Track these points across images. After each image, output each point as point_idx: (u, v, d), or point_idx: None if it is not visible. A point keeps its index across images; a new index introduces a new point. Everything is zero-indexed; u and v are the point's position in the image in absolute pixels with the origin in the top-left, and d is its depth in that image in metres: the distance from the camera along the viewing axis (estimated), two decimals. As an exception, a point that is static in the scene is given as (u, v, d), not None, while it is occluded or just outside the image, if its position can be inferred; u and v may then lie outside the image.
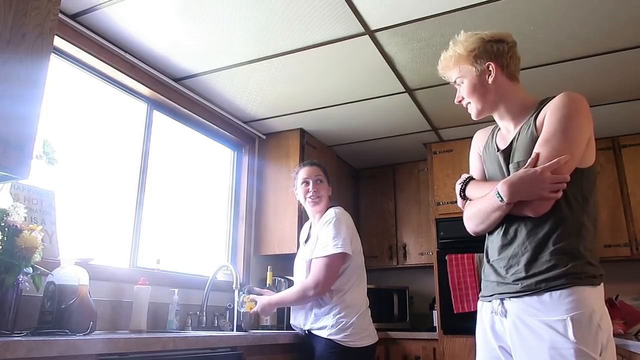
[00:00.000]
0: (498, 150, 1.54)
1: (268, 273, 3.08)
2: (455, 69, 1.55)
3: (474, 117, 1.59)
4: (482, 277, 1.55)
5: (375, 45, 2.48)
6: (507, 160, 1.50)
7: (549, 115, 1.41)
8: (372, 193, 4.33)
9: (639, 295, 3.40)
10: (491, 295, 1.46)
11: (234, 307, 2.78)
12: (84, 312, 1.67)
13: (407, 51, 2.54)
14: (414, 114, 3.30)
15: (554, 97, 1.46)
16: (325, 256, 2.13)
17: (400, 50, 2.53)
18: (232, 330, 2.74)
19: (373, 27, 2.34)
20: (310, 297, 2.13)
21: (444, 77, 1.63)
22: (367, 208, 4.31)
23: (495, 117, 1.59)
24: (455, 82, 1.58)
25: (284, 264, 3.27)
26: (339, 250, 2.11)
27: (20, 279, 1.55)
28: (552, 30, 2.36)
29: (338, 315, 2.11)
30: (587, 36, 2.41)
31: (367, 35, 2.40)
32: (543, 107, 1.46)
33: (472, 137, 1.76)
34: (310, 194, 2.33)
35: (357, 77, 2.82)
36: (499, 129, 1.62)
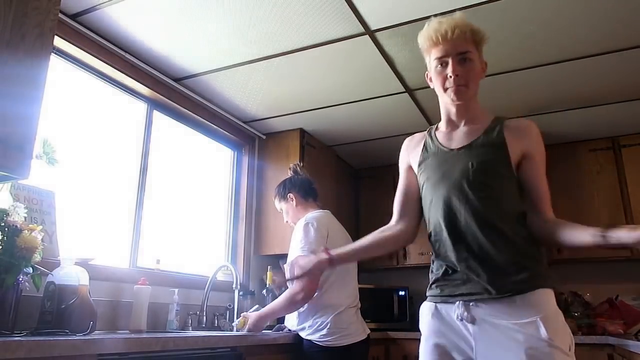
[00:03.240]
0: (452, 149, 1.49)
1: (268, 273, 3.08)
2: (471, 46, 1.46)
3: (454, 99, 1.47)
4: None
5: (375, 45, 2.48)
6: (468, 156, 1.45)
7: (539, 152, 1.46)
8: (372, 193, 4.32)
9: (639, 295, 3.39)
10: (455, 296, 1.40)
11: (234, 307, 2.79)
12: (84, 312, 1.67)
13: (407, 51, 2.54)
14: (414, 114, 3.30)
15: (511, 118, 1.50)
16: None
17: (400, 50, 2.53)
18: (232, 330, 2.74)
19: (373, 27, 2.34)
20: (300, 302, 2.14)
21: (448, 39, 1.44)
22: (367, 208, 4.30)
23: (455, 111, 1.51)
24: (463, 54, 1.44)
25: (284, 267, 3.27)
26: (304, 254, 2.11)
27: (20, 279, 1.55)
28: (552, 30, 2.36)
29: (315, 316, 2.13)
30: (588, 36, 2.41)
31: (367, 35, 2.40)
32: (504, 124, 1.47)
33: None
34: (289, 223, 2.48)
35: (357, 77, 2.82)
36: (436, 129, 1.59)
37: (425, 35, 1.50)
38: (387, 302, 3.79)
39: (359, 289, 2.34)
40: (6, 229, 1.57)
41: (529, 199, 1.43)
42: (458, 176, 1.43)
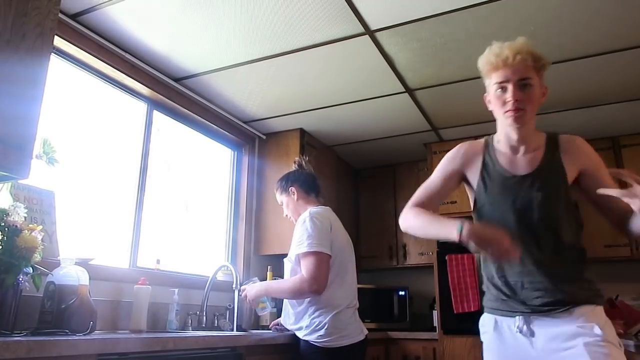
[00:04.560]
0: (515, 175, 1.51)
1: (268, 273, 3.08)
2: (532, 72, 1.46)
3: (513, 124, 1.48)
4: None
5: (375, 45, 2.48)
6: (533, 185, 1.49)
7: (597, 163, 1.56)
8: (372, 193, 4.32)
9: (639, 296, 3.39)
10: None
11: (234, 307, 2.78)
12: (84, 312, 1.67)
13: (407, 51, 2.54)
14: (414, 114, 3.30)
15: (562, 134, 1.54)
16: (311, 255, 2.09)
17: (400, 50, 2.53)
18: (232, 330, 2.74)
19: (373, 27, 2.34)
20: (308, 293, 2.08)
21: (509, 65, 1.45)
22: (367, 208, 4.30)
23: (514, 135, 1.52)
24: (523, 79, 1.45)
25: (283, 264, 3.27)
26: (312, 249, 2.08)
27: (20, 279, 1.55)
28: (553, 31, 2.36)
29: (312, 316, 2.09)
30: (588, 36, 2.41)
31: (367, 35, 2.40)
32: (559, 146, 1.52)
33: (472, 138, 1.73)
34: (288, 217, 2.44)
35: (357, 77, 2.82)
36: (495, 149, 1.58)
37: (485, 60, 1.51)
38: (387, 302, 3.79)
39: (359, 289, 2.33)
40: (6, 229, 1.57)
41: (603, 202, 1.50)
42: (526, 207, 1.47)
